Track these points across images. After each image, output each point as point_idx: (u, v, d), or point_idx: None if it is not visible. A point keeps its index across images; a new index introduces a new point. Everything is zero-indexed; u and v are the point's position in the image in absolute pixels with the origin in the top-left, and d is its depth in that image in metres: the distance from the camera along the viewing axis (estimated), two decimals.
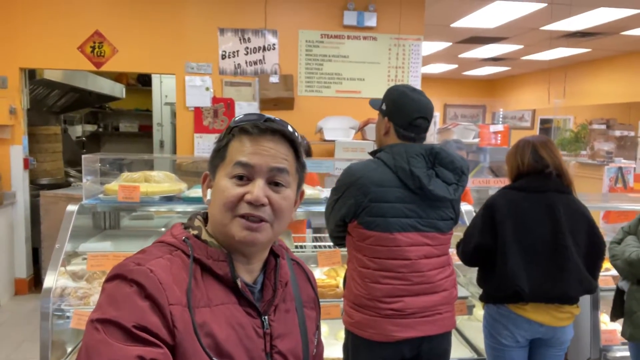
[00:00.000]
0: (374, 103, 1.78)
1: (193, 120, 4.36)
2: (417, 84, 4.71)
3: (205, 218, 0.90)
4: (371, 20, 4.46)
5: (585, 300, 2.41)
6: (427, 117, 1.67)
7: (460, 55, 8.75)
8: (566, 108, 9.88)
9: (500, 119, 10.11)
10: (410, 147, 1.64)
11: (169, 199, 2.49)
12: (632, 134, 8.92)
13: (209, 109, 4.36)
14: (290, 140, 0.86)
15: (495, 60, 9.32)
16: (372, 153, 1.73)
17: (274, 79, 4.38)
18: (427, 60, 9.40)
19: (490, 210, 1.94)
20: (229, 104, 4.38)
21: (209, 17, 4.29)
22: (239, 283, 0.82)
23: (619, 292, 2.27)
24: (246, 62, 4.40)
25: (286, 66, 4.45)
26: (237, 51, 4.37)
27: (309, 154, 3.40)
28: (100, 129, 8.16)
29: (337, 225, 1.71)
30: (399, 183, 1.61)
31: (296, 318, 0.92)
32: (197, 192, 2.46)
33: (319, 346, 1.00)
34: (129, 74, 7.32)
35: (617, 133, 8.87)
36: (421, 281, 1.63)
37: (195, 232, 0.85)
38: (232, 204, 0.81)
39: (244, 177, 0.82)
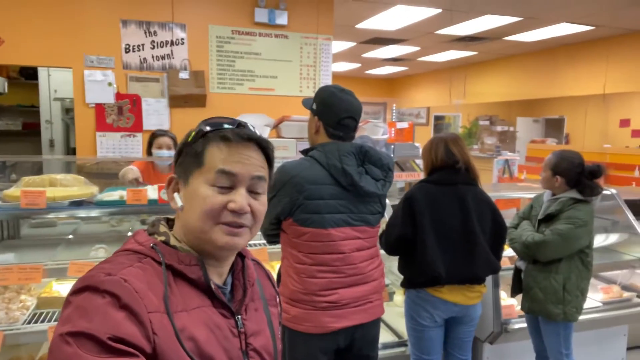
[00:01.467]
0: (306, 102, 1.82)
1: (94, 118, 4.05)
2: (328, 82, 4.84)
3: (168, 222, 0.90)
4: (282, 19, 4.49)
5: (487, 279, 2.68)
6: (355, 117, 1.75)
7: (363, 55, 9.13)
8: (455, 106, 10.78)
9: (394, 115, 10.71)
10: (341, 145, 1.70)
11: (78, 204, 2.30)
12: (512, 129, 10.01)
13: (113, 105, 4.08)
14: (264, 148, 0.88)
15: (395, 61, 9.86)
16: (304, 152, 1.77)
17: (183, 74, 4.23)
18: (334, 58, 9.64)
19: (410, 202, 2.09)
20: (135, 101, 4.14)
21: (109, 7, 4.00)
22: (213, 286, 0.83)
23: (517, 271, 2.57)
24: (153, 57, 4.18)
25: (196, 62, 4.31)
26: (143, 45, 4.14)
27: None
28: None
29: (271, 224, 1.72)
30: (331, 180, 1.67)
31: (264, 316, 0.94)
32: (111, 195, 2.31)
33: (281, 342, 1.03)
34: (9, 66, 6.55)
35: (499, 128, 9.90)
36: (354, 273, 1.71)
37: (162, 238, 0.85)
38: (216, 212, 0.82)
39: (227, 186, 0.83)
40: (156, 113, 4.20)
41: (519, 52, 8.67)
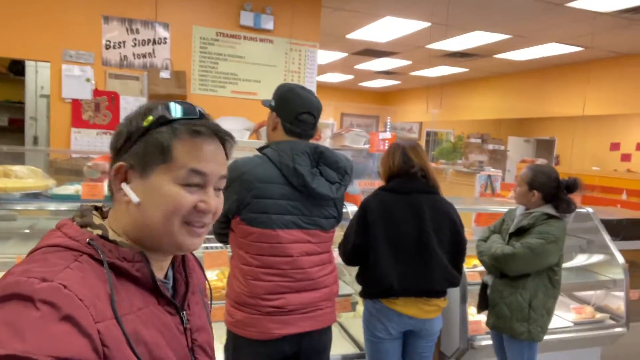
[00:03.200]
0: (265, 101, 1.77)
1: (70, 113, 3.98)
2: (312, 89, 4.80)
3: (101, 213, 0.82)
4: (268, 23, 4.46)
5: (454, 294, 2.61)
6: (313, 113, 1.69)
7: (356, 67, 9.14)
8: (447, 122, 10.80)
9: (388, 129, 10.71)
10: (295, 144, 1.64)
11: (34, 197, 2.22)
12: (502, 147, 10.02)
13: (90, 101, 4.01)
14: (226, 142, 0.82)
15: (387, 74, 9.88)
16: (260, 149, 1.71)
17: (164, 74, 4.17)
18: (325, 69, 9.68)
19: (363, 211, 2.02)
20: (113, 98, 4.07)
21: (91, 2, 3.96)
22: (158, 282, 0.77)
23: (484, 286, 2.50)
24: (134, 55, 4.13)
25: (178, 62, 4.26)
26: (124, 42, 4.09)
27: None
28: None
29: (220, 222, 1.65)
30: (283, 180, 1.60)
31: (204, 309, 0.91)
32: (67, 189, 2.24)
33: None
34: None
35: (490, 147, 9.90)
36: (302, 278, 1.64)
37: (99, 231, 0.74)
38: (185, 212, 0.76)
39: (196, 184, 0.77)
40: None
41: (510, 71, 8.71)
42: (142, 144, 0.75)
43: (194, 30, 4.30)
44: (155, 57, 4.19)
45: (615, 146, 8.66)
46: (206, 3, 4.32)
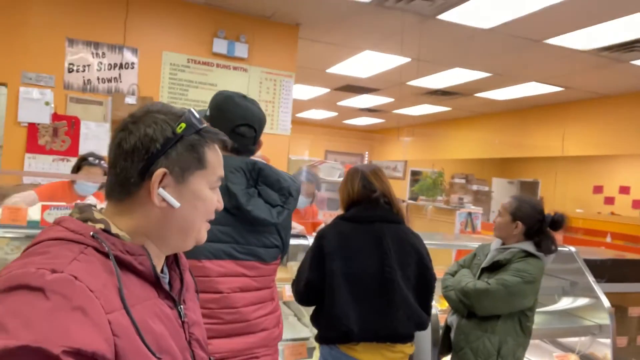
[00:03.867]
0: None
1: (25, 138, 3.75)
2: (287, 120, 4.65)
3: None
4: (242, 51, 4.35)
5: (424, 339, 2.35)
6: (254, 126, 1.49)
7: (339, 103, 9.09)
8: (432, 161, 10.72)
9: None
10: (229, 159, 1.42)
11: None
12: (487, 188, 9.92)
13: (47, 126, 3.79)
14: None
15: (371, 111, 9.86)
16: None
17: (130, 99, 3.99)
18: (308, 105, 9.63)
19: (319, 243, 1.78)
20: (74, 123, 3.86)
21: (55, 24, 3.81)
22: (160, 276, 0.79)
23: (447, 328, 2.25)
24: (98, 79, 3.95)
25: (146, 88, 4.09)
26: (89, 66, 3.92)
27: None
28: None
29: None
30: None
31: (198, 305, 0.94)
32: None
33: None
34: None
35: (475, 187, 9.80)
36: (234, 319, 1.38)
37: (101, 225, 0.75)
38: (213, 212, 0.85)
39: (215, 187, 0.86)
40: (96, 138, 3.92)
41: (492, 111, 8.72)
42: (179, 150, 0.78)
43: (164, 56, 4.16)
44: (121, 82, 4.02)
45: (598, 189, 8.61)
46: (178, 29, 4.20)
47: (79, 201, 0.80)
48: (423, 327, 1.83)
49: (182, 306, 0.84)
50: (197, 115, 0.81)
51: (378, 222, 1.81)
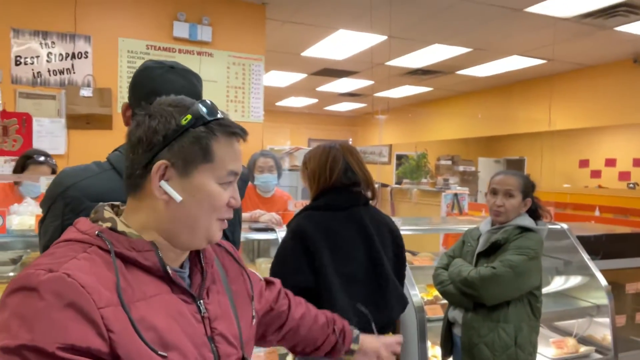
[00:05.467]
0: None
1: None
2: (259, 107, 4.39)
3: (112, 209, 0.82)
4: (206, 35, 4.06)
5: (410, 330, 2.15)
6: None
7: (318, 89, 8.83)
8: (415, 144, 10.54)
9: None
10: None
11: None
12: (473, 169, 9.78)
13: None
14: (243, 139, 0.84)
15: (351, 96, 9.61)
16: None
17: (86, 92, 3.69)
18: (287, 92, 9.36)
19: (300, 240, 1.55)
20: (25, 120, 3.56)
21: None
22: (170, 271, 0.77)
23: (449, 325, 2.05)
24: (49, 71, 3.65)
25: (102, 79, 3.80)
26: (37, 57, 3.61)
27: None
28: None
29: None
30: None
31: (227, 298, 0.89)
32: None
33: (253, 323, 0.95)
34: None
35: (461, 168, 9.64)
36: None
37: (108, 224, 0.76)
38: (222, 209, 0.81)
39: (228, 182, 0.82)
40: (50, 135, 3.62)
41: (475, 89, 8.54)
42: (183, 143, 0.77)
43: (120, 43, 3.86)
44: (74, 73, 3.71)
45: (584, 163, 8.52)
46: (134, 13, 3.90)
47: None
48: (405, 307, 1.69)
49: (201, 300, 0.82)
50: (209, 107, 0.79)
51: (353, 206, 1.62)
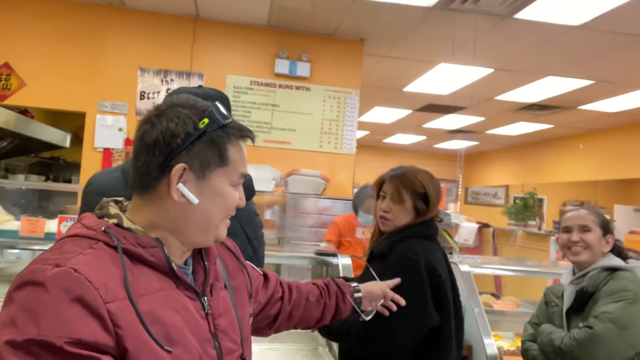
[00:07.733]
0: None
1: (101, 162, 3.99)
2: (352, 139, 4.43)
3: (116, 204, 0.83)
4: (304, 70, 4.27)
5: None
6: None
7: (424, 125, 8.67)
8: (534, 185, 9.69)
9: (469, 195, 9.88)
10: None
11: None
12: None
13: (121, 150, 4.01)
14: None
15: (461, 132, 9.25)
16: None
17: None
18: (394, 129, 9.33)
19: (430, 272, 1.41)
20: None
21: (129, 55, 4.07)
22: (175, 267, 0.79)
23: None
24: None
25: None
26: (158, 92, 4.11)
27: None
28: (50, 181, 7.68)
29: None
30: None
31: (228, 295, 0.91)
32: (11, 223, 2.03)
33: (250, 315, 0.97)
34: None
35: None
36: None
37: (114, 220, 0.78)
38: (233, 209, 0.84)
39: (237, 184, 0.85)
40: None
41: (603, 126, 7.66)
42: (201, 146, 0.78)
43: (228, 80, 4.23)
44: None
45: None
46: (241, 52, 4.26)
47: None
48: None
49: (205, 297, 0.83)
50: (222, 111, 0.79)
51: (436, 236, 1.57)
